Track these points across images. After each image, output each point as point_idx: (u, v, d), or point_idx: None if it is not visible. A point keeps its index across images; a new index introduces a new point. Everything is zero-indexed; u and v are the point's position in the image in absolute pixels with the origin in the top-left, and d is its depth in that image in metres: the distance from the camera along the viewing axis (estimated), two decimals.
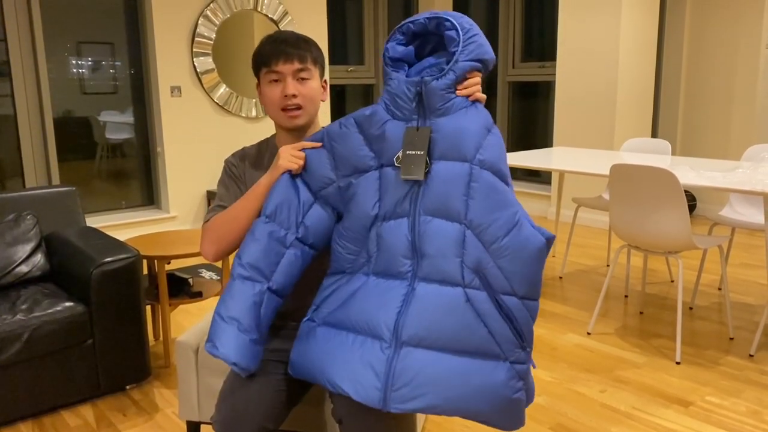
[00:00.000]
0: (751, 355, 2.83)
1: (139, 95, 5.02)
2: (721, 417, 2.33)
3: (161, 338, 3.09)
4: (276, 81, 1.55)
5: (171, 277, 2.99)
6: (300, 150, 1.45)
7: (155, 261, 2.91)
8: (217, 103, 5.12)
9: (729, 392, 2.51)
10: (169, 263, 3.21)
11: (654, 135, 5.57)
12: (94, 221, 4.84)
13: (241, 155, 1.69)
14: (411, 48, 1.41)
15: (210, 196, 5.14)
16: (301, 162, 1.44)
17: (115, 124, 5.11)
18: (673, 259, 4.04)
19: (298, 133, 1.62)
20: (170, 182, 5.01)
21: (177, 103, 4.97)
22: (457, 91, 1.33)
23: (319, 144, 1.44)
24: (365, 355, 1.28)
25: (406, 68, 1.41)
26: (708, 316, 3.31)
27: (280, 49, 1.53)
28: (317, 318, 1.40)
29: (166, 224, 5.05)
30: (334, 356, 1.31)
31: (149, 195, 5.22)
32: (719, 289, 3.71)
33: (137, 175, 5.16)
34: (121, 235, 4.83)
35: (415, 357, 1.26)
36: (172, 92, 4.93)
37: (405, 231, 1.33)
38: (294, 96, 1.54)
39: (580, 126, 5.25)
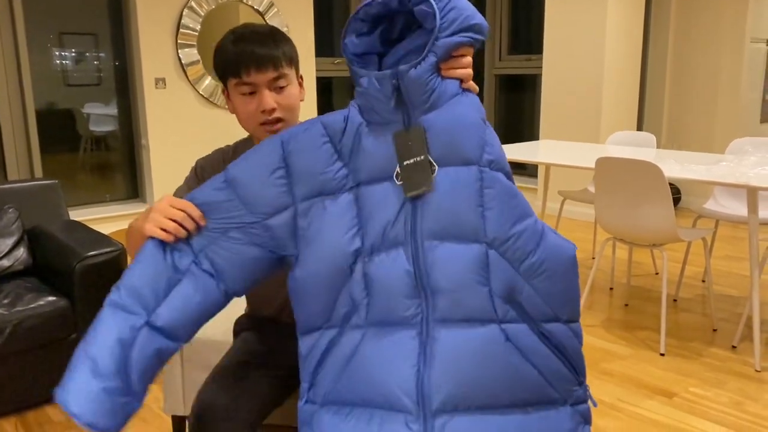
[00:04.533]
0: (733, 347, 2.86)
1: (123, 87, 4.97)
2: (705, 408, 2.35)
3: None
4: (250, 94, 1.32)
5: None
6: (182, 209, 1.11)
7: None
8: (203, 95, 5.08)
9: (712, 383, 2.54)
10: None
11: (639, 128, 5.60)
12: (77, 215, 4.79)
13: (214, 158, 1.48)
14: (374, 35, 1.13)
15: None
16: (175, 232, 1.11)
17: (99, 116, 5.04)
18: (657, 252, 4.07)
19: None
20: (155, 175, 4.97)
21: (161, 96, 4.92)
22: (442, 71, 1.07)
23: (201, 221, 1.12)
24: None
25: (377, 61, 1.15)
26: (692, 308, 3.34)
27: (249, 53, 1.29)
28: (316, 398, 1.12)
29: None
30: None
31: (134, 188, 5.18)
32: (703, 281, 3.74)
33: (121, 168, 5.11)
34: (106, 229, 4.79)
35: (455, 428, 0.99)
36: (156, 84, 4.89)
37: (404, 264, 1.04)
38: (273, 110, 1.32)
39: (566, 119, 5.27)
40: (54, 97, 4.77)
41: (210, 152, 1.54)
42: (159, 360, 1.09)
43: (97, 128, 5.06)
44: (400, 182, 1.06)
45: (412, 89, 1.06)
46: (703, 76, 5.33)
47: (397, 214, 1.06)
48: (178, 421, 1.97)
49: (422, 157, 1.04)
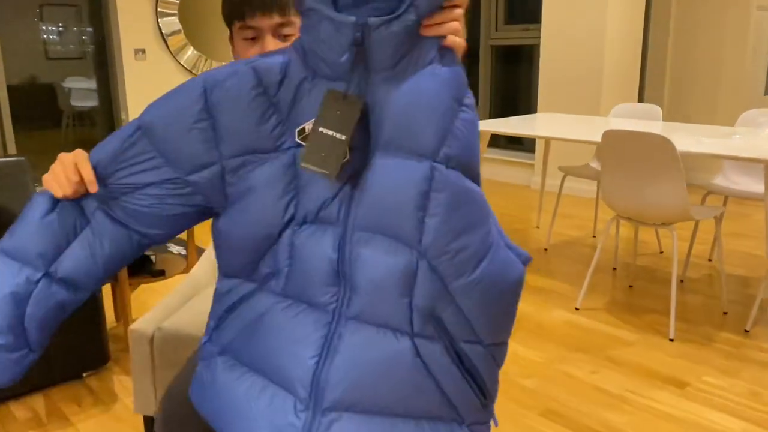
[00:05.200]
0: (746, 331, 2.71)
1: (102, 59, 4.72)
2: (720, 399, 2.20)
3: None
4: (252, 39, 1.23)
5: None
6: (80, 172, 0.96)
7: None
8: (185, 67, 4.84)
9: (726, 372, 2.38)
10: None
11: (640, 100, 5.40)
12: None
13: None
14: None
15: None
16: (70, 193, 0.96)
17: (81, 90, 4.83)
18: (664, 231, 3.91)
19: None
20: None
21: (141, 67, 4.68)
22: (423, 28, 0.86)
23: (93, 185, 0.96)
24: (275, 417, 0.94)
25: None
26: (700, 290, 3.18)
27: None
28: (217, 341, 1.05)
29: None
30: (237, 411, 0.98)
31: None
32: (709, 260, 3.58)
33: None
34: None
35: (343, 428, 0.93)
36: (135, 55, 4.64)
37: (327, 248, 0.93)
38: None
39: (565, 91, 5.06)
40: (35, 71, 4.57)
41: None
42: (62, 311, 0.98)
43: (79, 103, 4.86)
44: (301, 141, 0.91)
45: (377, 49, 0.85)
46: (707, 45, 5.12)
47: (337, 192, 0.92)
48: (149, 422, 1.80)
49: (343, 137, 0.87)
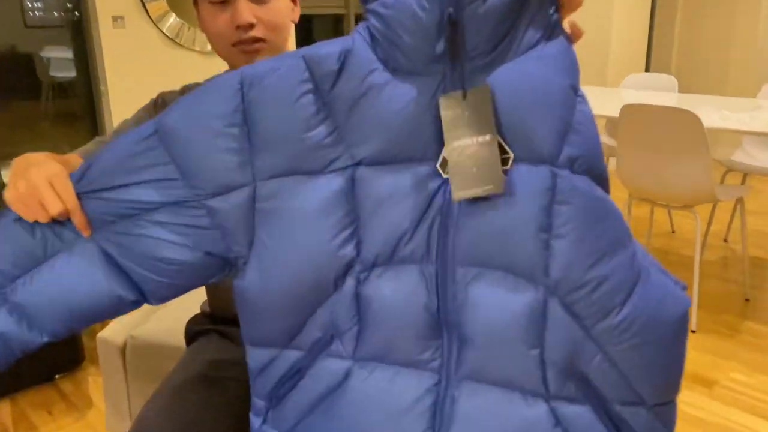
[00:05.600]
0: None
1: (79, 28, 4.44)
2: (752, 400, 2.02)
3: None
4: (221, 3, 1.03)
5: None
6: (61, 196, 0.77)
7: None
8: (167, 36, 4.55)
9: (756, 368, 2.20)
10: None
11: (647, 69, 5.17)
12: None
13: (180, 93, 1.19)
14: None
15: None
16: (39, 219, 0.77)
17: (61, 60, 4.58)
18: (681, 211, 3.73)
19: None
20: (117, 122, 4.49)
21: (120, 36, 4.40)
22: (564, 16, 0.68)
23: (85, 230, 0.77)
24: None
25: None
26: (717, 273, 2.99)
27: None
28: (278, 424, 0.82)
29: None
30: None
31: None
32: (725, 240, 3.40)
33: (82, 117, 4.62)
34: None
35: None
36: (114, 23, 4.36)
37: (420, 293, 0.73)
38: (251, 25, 1.02)
39: None
40: (12, 40, 4.31)
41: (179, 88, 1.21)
42: (7, 349, 0.79)
43: (59, 74, 4.62)
44: (446, 174, 0.69)
45: (475, 29, 0.66)
46: (717, 13, 4.87)
47: (418, 221, 0.70)
48: None
49: (488, 137, 0.67)
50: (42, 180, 0.77)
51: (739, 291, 2.80)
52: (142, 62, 4.47)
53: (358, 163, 0.72)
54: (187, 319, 1.31)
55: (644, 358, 0.70)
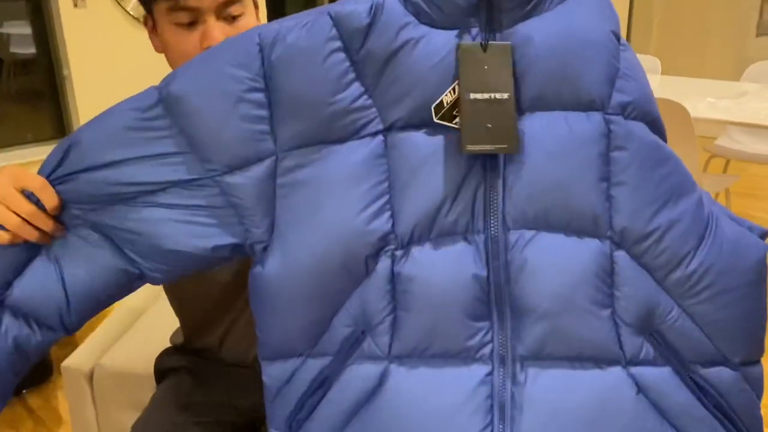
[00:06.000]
0: None
1: (36, 5, 4.22)
2: None
3: None
4: (189, 24, 0.93)
5: None
6: (33, 190, 0.69)
7: None
8: (132, 15, 4.37)
9: None
10: None
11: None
12: None
13: None
14: None
15: None
16: (18, 232, 0.69)
17: (22, 36, 4.38)
18: None
19: None
20: (82, 111, 4.31)
21: (81, 16, 4.20)
22: None
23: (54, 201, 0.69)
24: None
25: None
26: None
27: None
28: None
29: None
30: None
31: (59, 125, 4.51)
32: None
33: (46, 97, 4.43)
34: None
35: None
36: (75, 4, 4.16)
37: (469, 265, 0.66)
38: None
39: None
40: None
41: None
42: (22, 357, 0.73)
43: (21, 50, 4.42)
44: (453, 124, 0.66)
45: None
46: None
47: (459, 186, 0.66)
48: None
49: (505, 96, 0.65)
50: (6, 186, 0.69)
51: None
52: (106, 44, 4.27)
53: (390, 128, 0.67)
54: (154, 346, 1.24)
55: (722, 310, 0.67)
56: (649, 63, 3.45)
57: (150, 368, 1.36)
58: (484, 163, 0.66)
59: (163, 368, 1.21)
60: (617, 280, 0.66)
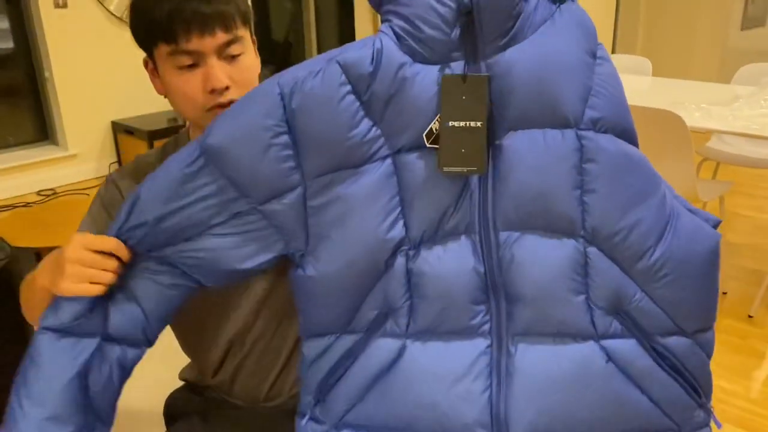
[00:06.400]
0: (750, 316, 2.53)
1: (16, 9, 4.10)
2: (740, 411, 2.02)
3: None
4: (190, 66, 0.95)
5: None
6: (105, 249, 0.81)
7: (42, 253, 2.29)
8: (115, 15, 4.27)
9: (738, 372, 2.20)
10: None
11: (613, 51, 5.10)
12: None
13: (133, 173, 1.05)
14: None
15: (116, 128, 4.37)
16: (105, 281, 0.82)
17: (2, 31, 4.24)
18: None
19: None
20: (65, 113, 4.23)
21: (62, 17, 4.09)
22: None
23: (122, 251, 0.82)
24: None
25: None
26: None
27: (188, 9, 0.90)
28: (325, 417, 0.87)
29: (65, 166, 4.30)
30: None
31: (42, 128, 4.41)
32: None
33: (26, 101, 4.32)
34: (11, 183, 4.08)
35: None
36: (55, 4, 4.05)
37: (469, 260, 0.80)
38: (226, 88, 0.95)
39: None
40: None
41: (131, 160, 1.12)
42: (122, 371, 0.89)
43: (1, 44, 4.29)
44: (431, 145, 0.78)
45: (487, 14, 0.75)
46: None
47: (459, 196, 0.79)
48: None
49: (479, 124, 0.77)
50: (78, 250, 0.80)
51: None
52: (88, 45, 4.18)
53: (397, 151, 0.79)
54: (160, 386, 1.23)
55: (680, 292, 0.79)
56: (638, 64, 3.45)
57: (155, 406, 1.34)
58: (479, 178, 0.78)
59: (173, 410, 1.19)
60: (590, 271, 0.79)
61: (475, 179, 0.78)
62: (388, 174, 0.80)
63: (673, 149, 2.27)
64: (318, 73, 0.78)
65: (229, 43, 0.95)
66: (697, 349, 0.83)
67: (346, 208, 0.80)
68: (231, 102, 0.96)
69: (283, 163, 0.79)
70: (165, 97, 1.00)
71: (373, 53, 0.77)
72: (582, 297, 0.79)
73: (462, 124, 0.76)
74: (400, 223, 0.80)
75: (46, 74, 4.18)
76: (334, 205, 0.80)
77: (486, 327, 0.81)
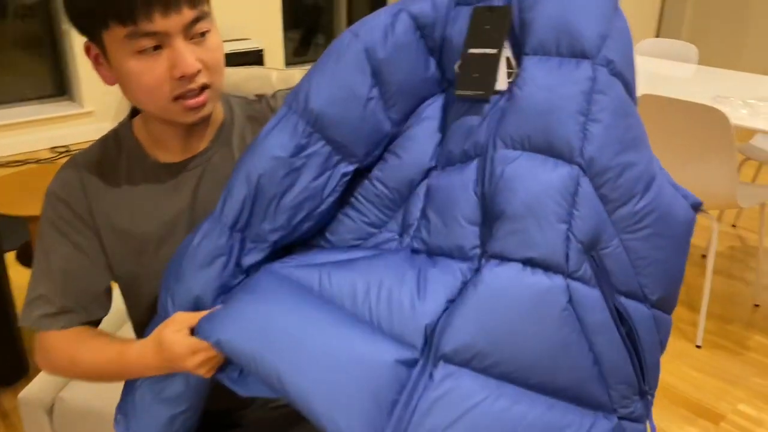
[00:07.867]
0: None
1: None
2: None
3: None
4: (153, 49, 0.82)
5: None
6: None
7: (29, 222, 2.20)
8: None
9: (765, 398, 2.03)
10: None
11: (657, 34, 4.80)
12: None
13: (75, 176, 0.93)
14: None
15: None
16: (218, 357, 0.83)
17: None
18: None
19: (196, 126, 0.92)
20: (82, 69, 4.12)
21: None
22: None
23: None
24: (368, 357, 0.75)
25: None
26: (725, 269, 2.79)
27: None
28: (288, 261, 0.86)
29: (81, 123, 4.22)
30: (303, 346, 0.76)
31: (60, 83, 4.33)
32: (733, 226, 3.18)
33: (46, 54, 4.24)
34: (25, 138, 4.01)
35: (459, 386, 0.74)
36: None
37: (470, 179, 0.81)
38: (197, 72, 0.83)
39: None
40: None
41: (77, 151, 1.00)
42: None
43: None
44: (457, 71, 0.84)
45: None
46: None
47: (483, 117, 0.82)
48: None
49: (494, 51, 0.81)
50: (187, 347, 0.80)
51: (748, 293, 2.60)
52: None
53: (450, 84, 0.87)
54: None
55: (652, 251, 0.80)
56: (683, 50, 3.21)
57: (108, 405, 1.23)
58: (497, 99, 0.81)
59: None
60: (578, 200, 0.77)
61: (493, 102, 0.81)
62: (441, 105, 0.88)
63: (713, 148, 2.07)
64: (393, 24, 0.83)
65: (196, 20, 0.82)
66: (653, 327, 0.82)
67: (413, 136, 0.88)
68: (203, 87, 0.85)
69: (375, 117, 0.84)
70: (118, 86, 0.86)
71: (432, 5, 0.85)
72: (564, 226, 0.76)
73: (480, 51, 0.81)
74: (439, 147, 0.87)
75: (64, 27, 4.07)
76: (409, 129, 0.89)
77: (475, 251, 0.80)
